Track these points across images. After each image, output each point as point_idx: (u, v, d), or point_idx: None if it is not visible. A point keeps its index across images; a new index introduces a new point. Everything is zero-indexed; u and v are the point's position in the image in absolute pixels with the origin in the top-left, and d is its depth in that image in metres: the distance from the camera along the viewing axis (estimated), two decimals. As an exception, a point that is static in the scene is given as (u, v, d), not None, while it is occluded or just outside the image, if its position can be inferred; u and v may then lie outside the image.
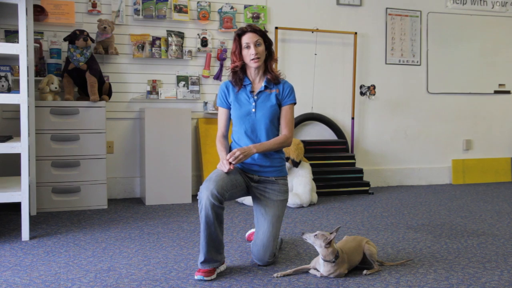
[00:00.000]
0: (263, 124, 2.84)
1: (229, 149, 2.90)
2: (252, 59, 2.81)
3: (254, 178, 2.87)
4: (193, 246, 3.21)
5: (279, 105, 2.90)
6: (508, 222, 4.00)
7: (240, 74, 2.88)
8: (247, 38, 2.80)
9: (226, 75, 4.97)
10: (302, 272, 2.73)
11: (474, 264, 2.93)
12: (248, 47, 2.80)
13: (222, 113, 2.93)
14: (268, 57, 2.90)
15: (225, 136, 2.92)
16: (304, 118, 5.28)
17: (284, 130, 2.89)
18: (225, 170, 2.68)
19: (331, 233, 2.61)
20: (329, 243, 2.59)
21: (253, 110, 2.84)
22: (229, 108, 2.91)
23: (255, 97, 2.86)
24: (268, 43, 2.88)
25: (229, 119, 2.93)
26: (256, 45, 2.81)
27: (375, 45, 5.60)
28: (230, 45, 5.02)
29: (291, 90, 2.92)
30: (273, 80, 2.88)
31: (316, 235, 2.62)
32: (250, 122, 2.84)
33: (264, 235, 2.79)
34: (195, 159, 4.88)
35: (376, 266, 2.77)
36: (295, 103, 2.94)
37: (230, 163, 2.70)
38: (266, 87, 2.88)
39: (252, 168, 2.86)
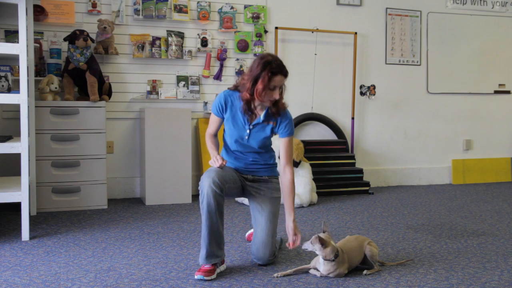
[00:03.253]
0: (253, 148, 2.87)
1: (218, 146, 2.94)
2: (271, 101, 2.73)
3: (248, 178, 2.92)
4: (193, 246, 3.21)
5: (274, 132, 2.88)
6: (508, 222, 4.00)
7: (253, 105, 2.78)
8: (277, 81, 2.67)
9: (227, 75, 5.02)
10: (302, 272, 2.73)
11: (474, 264, 2.93)
12: (274, 89, 2.69)
13: (215, 119, 2.91)
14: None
15: (215, 135, 2.94)
16: (304, 118, 5.28)
17: (287, 165, 2.85)
18: (217, 165, 2.69)
19: (323, 232, 2.64)
20: (324, 243, 2.59)
21: (246, 137, 2.83)
22: (222, 118, 2.88)
23: (251, 127, 2.82)
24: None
25: (220, 125, 2.92)
26: (280, 88, 2.73)
27: (375, 45, 5.60)
28: (230, 45, 5.02)
29: (288, 123, 2.84)
30: (274, 114, 2.80)
31: (311, 241, 2.63)
32: (241, 145, 2.86)
33: (262, 232, 2.81)
34: (195, 159, 4.88)
35: (377, 266, 2.77)
36: (293, 135, 2.89)
37: (222, 158, 2.73)
38: (263, 120, 2.82)
39: (247, 168, 2.92)
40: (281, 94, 2.76)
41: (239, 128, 2.82)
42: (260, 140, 2.84)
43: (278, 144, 2.91)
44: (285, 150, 2.86)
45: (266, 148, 2.91)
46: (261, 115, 2.81)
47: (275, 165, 2.99)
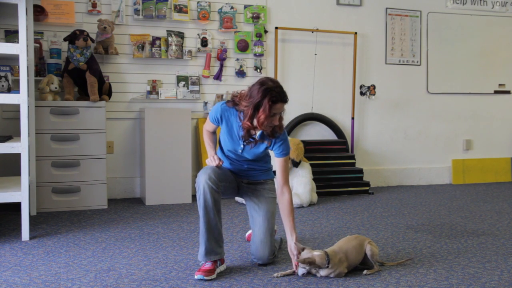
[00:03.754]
0: (248, 159, 2.87)
1: (216, 144, 2.96)
2: (270, 126, 2.67)
3: (243, 181, 2.95)
4: (193, 246, 3.21)
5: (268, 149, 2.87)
6: (508, 222, 4.00)
7: (253, 132, 2.75)
8: (277, 109, 2.62)
9: (227, 75, 5.01)
10: (302, 272, 2.74)
11: (474, 264, 2.93)
12: (274, 116, 2.63)
13: (211, 124, 2.91)
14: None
15: (213, 133, 2.97)
16: (304, 118, 5.28)
17: (285, 185, 2.81)
18: (215, 164, 2.72)
19: (303, 250, 2.65)
20: (311, 262, 2.59)
21: (240, 151, 2.84)
22: (218, 126, 2.89)
23: (245, 143, 2.79)
24: None
25: (217, 127, 2.93)
26: (279, 114, 2.68)
27: (375, 45, 5.60)
28: (230, 45, 5.02)
29: (282, 144, 2.77)
30: (268, 136, 2.75)
31: (301, 266, 2.63)
32: (236, 155, 2.88)
33: (260, 230, 2.82)
34: (195, 159, 4.88)
35: (377, 266, 2.77)
36: (288, 154, 2.84)
37: (219, 158, 2.78)
38: (258, 140, 2.78)
39: (242, 173, 2.94)
40: (280, 120, 2.70)
41: (234, 142, 2.82)
42: (254, 154, 2.84)
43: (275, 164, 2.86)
44: (281, 170, 2.80)
45: (261, 158, 2.91)
46: (257, 134, 2.76)
47: (270, 168, 2.99)
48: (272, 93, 2.58)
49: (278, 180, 2.83)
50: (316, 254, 2.63)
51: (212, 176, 2.62)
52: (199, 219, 2.66)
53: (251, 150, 2.81)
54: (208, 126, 2.94)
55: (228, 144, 2.84)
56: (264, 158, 2.95)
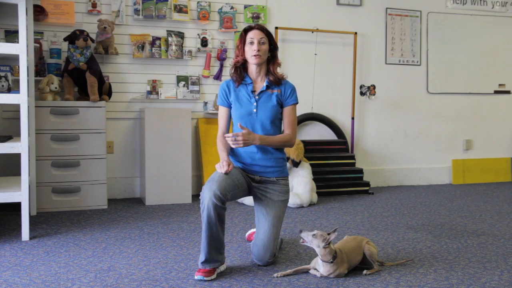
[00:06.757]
0: (264, 124, 2.84)
1: (230, 149, 2.90)
2: (253, 55, 2.81)
3: (255, 179, 2.87)
4: (193, 246, 3.21)
5: (281, 106, 2.90)
6: (508, 222, 4.00)
7: (241, 71, 2.90)
8: (252, 34, 2.83)
9: (227, 75, 5.01)
10: (302, 272, 2.73)
11: (474, 264, 2.93)
12: (251, 43, 2.82)
13: (222, 112, 2.93)
14: (271, 59, 2.91)
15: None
16: (304, 118, 5.28)
17: (287, 131, 2.91)
18: (223, 171, 2.65)
19: (329, 234, 2.61)
20: (328, 244, 2.58)
21: (254, 110, 2.84)
22: (229, 107, 2.92)
23: (257, 97, 2.86)
24: (273, 46, 2.90)
25: (229, 118, 2.93)
26: (260, 42, 2.82)
27: (375, 45, 5.60)
28: (230, 45, 5.02)
29: (293, 90, 2.93)
30: (275, 82, 2.89)
31: (314, 234, 2.61)
32: (251, 122, 2.84)
33: (264, 235, 2.80)
34: (195, 159, 4.88)
35: (376, 266, 2.77)
36: (297, 103, 2.94)
37: (229, 163, 2.70)
38: (267, 87, 2.88)
39: (253, 168, 2.87)
40: (273, 54, 2.90)
41: (246, 103, 2.85)
42: (269, 110, 2.84)
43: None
44: (289, 118, 2.90)
45: (277, 125, 2.90)
46: (264, 84, 2.88)
47: (284, 166, 2.95)
48: (245, 28, 2.90)
49: (285, 129, 2.91)
50: (332, 246, 2.63)
51: (217, 193, 2.54)
52: (202, 228, 2.61)
53: (265, 104, 2.84)
54: (220, 127, 2.91)
55: (242, 110, 2.84)
56: (278, 127, 2.92)
